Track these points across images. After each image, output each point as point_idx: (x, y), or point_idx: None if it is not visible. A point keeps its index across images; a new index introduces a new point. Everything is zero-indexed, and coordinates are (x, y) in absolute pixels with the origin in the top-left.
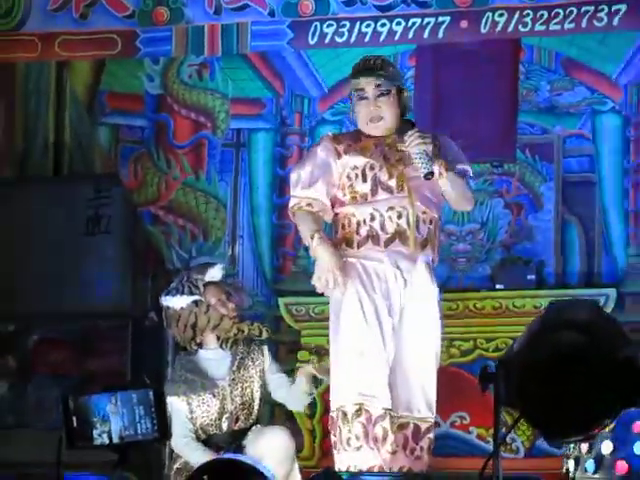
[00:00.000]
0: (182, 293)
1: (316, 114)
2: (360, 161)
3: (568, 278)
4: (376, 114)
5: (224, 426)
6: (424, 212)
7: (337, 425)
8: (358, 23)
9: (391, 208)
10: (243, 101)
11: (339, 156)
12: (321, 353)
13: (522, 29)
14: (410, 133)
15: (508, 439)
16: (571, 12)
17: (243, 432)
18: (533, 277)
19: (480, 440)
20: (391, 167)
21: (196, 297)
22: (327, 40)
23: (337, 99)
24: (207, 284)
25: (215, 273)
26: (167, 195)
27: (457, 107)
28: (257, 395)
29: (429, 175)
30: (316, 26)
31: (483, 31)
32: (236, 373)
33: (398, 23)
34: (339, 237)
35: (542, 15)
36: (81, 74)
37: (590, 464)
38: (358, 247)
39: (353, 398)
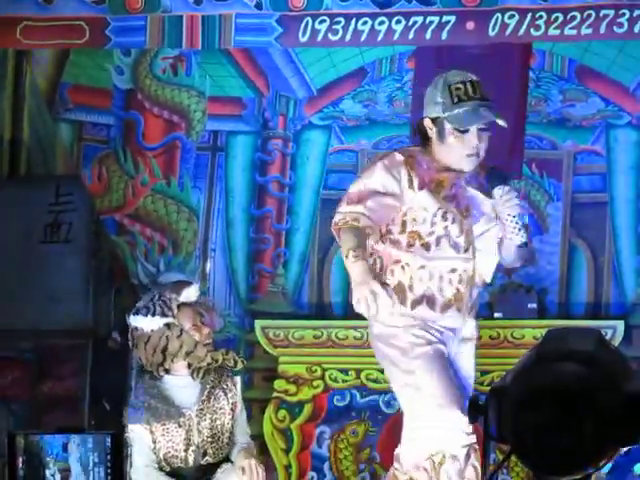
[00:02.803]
0: (153, 314)
1: (302, 117)
2: (433, 205)
3: (573, 308)
4: (476, 151)
5: (190, 460)
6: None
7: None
8: (354, 20)
9: (453, 270)
10: (222, 100)
11: (411, 188)
12: (299, 383)
13: (534, 33)
14: (507, 190)
15: None
16: (589, 16)
17: (212, 467)
18: (534, 306)
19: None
20: (462, 219)
21: (169, 319)
22: (319, 37)
23: (326, 102)
24: (181, 305)
25: (191, 293)
26: (134, 202)
27: None
28: (227, 428)
29: (523, 245)
30: (307, 22)
31: (491, 33)
32: (205, 403)
33: (398, 21)
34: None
35: (557, 18)
36: (42, 64)
37: None
38: (412, 307)
39: (463, 439)
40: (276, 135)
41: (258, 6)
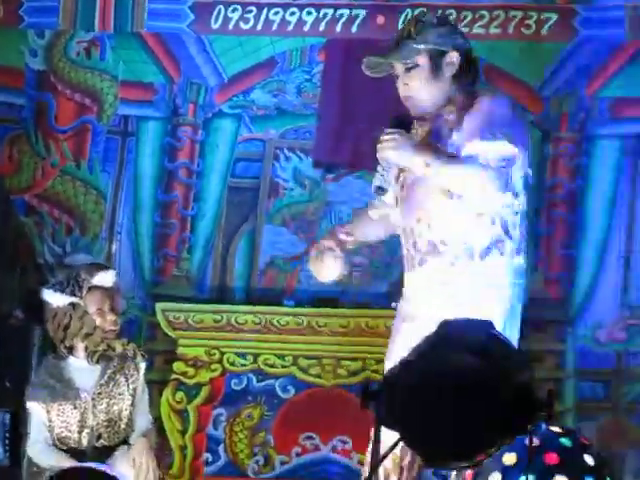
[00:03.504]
0: (63, 291)
1: (213, 105)
2: None
3: None
4: (408, 93)
5: (84, 441)
6: None
7: None
8: (265, 9)
9: None
10: (133, 85)
11: None
12: (197, 366)
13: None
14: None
15: None
16: (497, 16)
17: (107, 450)
18: None
19: (361, 466)
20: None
21: (75, 299)
22: (231, 26)
23: (237, 90)
24: (92, 288)
25: (104, 278)
26: (43, 183)
27: (366, 109)
28: (126, 414)
29: (379, 191)
30: (220, 9)
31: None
32: (104, 387)
33: (309, 13)
34: None
35: (465, 16)
36: None
37: None
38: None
39: None
40: (186, 122)
41: None
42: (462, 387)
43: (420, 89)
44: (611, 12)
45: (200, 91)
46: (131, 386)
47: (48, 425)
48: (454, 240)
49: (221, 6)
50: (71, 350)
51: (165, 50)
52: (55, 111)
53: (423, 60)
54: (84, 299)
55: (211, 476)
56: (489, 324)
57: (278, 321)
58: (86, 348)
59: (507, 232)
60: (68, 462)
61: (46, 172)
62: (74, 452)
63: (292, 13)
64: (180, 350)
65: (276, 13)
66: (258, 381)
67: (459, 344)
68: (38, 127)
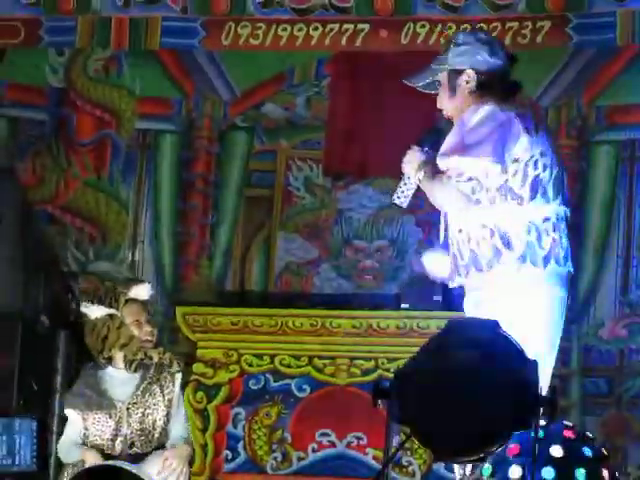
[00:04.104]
0: (101, 303)
1: (226, 118)
2: None
3: None
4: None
5: (118, 449)
6: None
7: None
8: (274, 26)
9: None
10: (151, 100)
11: None
12: (216, 367)
13: (443, 41)
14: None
15: (404, 462)
16: (495, 28)
17: (140, 457)
18: (439, 298)
19: (376, 461)
20: None
21: (112, 311)
22: (241, 42)
23: (249, 104)
24: (129, 301)
25: (140, 292)
26: (66, 194)
27: (373, 120)
28: (160, 424)
29: (394, 205)
30: (230, 26)
31: (403, 42)
32: (139, 397)
33: (315, 28)
34: None
35: (465, 29)
36: None
37: None
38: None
39: None
40: (202, 135)
41: (184, 10)
42: (469, 384)
43: (442, 102)
44: (603, 18)
45: (214, 105)
46: (166, 397)
47: (84, 433)
48: (467, 251)
49: (231, 23)
50: (110, 360)
51: (179, 66)
52: (76, 126)
53: (443, 77)
54: (121, 311)
55: (231, 472)
56: (495, 324)
57: (293, 323)
58: (124, 357)
59: (508, 244)
60: (92, 456)
61: (68, 184)
62: (107, 458)
63: (300, 29)
64: (199, 352)
65: (284, 29)
66: (275, 381)
67: (466, 342)
68: (60, 141)
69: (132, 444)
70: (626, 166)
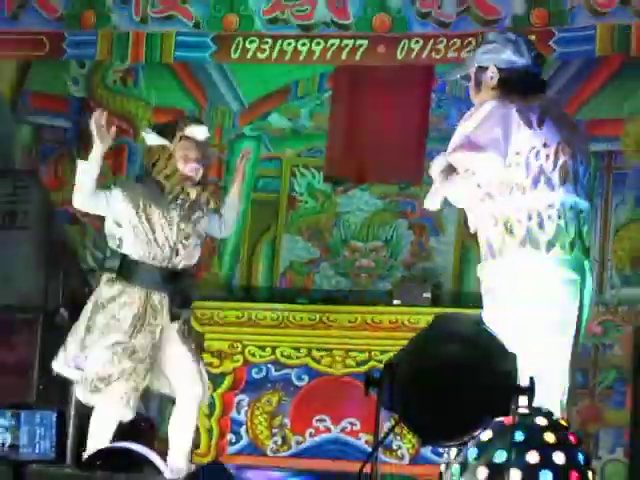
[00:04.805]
0: (159, 133)
1: (236, 128)
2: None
3: (463, 298)
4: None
5: (166, 250)
6: None
7: None
8: (280, 41)
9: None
10: (165, 110)
11: None
12: (222, 357)
13: (435, 56)
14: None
15: (394, 445)
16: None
17: (175, 275)
18: (429, 295)
19: (368, 445)
20: None
21: (166, 142)
22: (249, 55)
23: (257, 115)
24: (183, 137)
25: (196, 132)
26: None
27: (370, 130)
28: (197, 246)
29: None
30: (239, 41)
31: (399, 57)
32: (186, 211)
33: (317, 43)
34: None
35: (454, 43)
36: (6, 73)
37: (456, 469)
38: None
39: None
40: (213, 144)
41: (196, 26)
42: (453, 374)
43: (472, 97)
44: (583, 32)
45: (224, 116)
46: (202, 225)
47: (131, 221)
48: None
49: (240, 38)
50: (156, 184)
51: (192, 78)
52: None
53: (472, 73)
54: (174, 144)
55: (234, 455)
56: (478, 319)
57: (294, 317)
58: (164, 188)
59: (510, 231)
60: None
61: None
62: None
63: (303, 44)
64: (206, 343)
65: (289, 44)
66: (276, 370)
67: (450, 336)
68: (80, 147)
69: (177, 252)
70: (603, 175)
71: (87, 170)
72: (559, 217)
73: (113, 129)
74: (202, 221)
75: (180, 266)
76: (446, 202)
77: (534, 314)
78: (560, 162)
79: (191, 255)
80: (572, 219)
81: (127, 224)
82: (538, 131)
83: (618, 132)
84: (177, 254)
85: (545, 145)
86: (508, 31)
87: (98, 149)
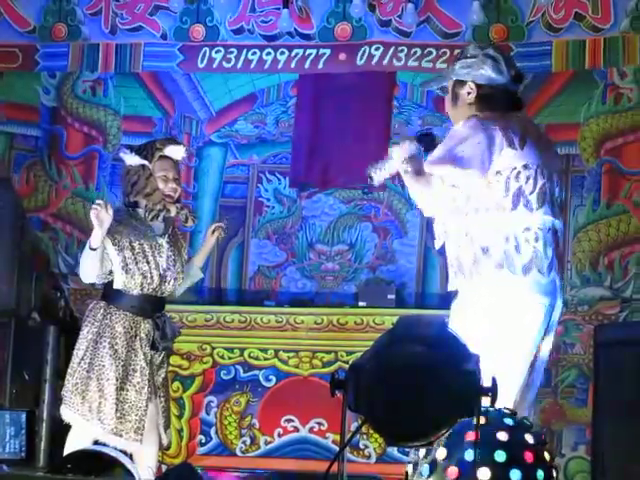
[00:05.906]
0: (138, 154)
1: (203, 135)
2: None
3: (426, 299)
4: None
5: (155, 280)
6: None
7: None
8: (245, 50)
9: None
10: (135, 119)
11: None
12: (191, 359)
13: (396, 63)
14: None
15: (361, 445)
16: (444, 53)
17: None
18: (393, 297)
19: (335, 445)
20: None
21: (145, 162)
22: (215, 65)
23: (224, 122)
24: (162, 157)
25: (174, 151)
26: (57, 203)
27: (333, 136)
28: (181, 262)
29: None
30: (205, 51)
31: (359, 63)
32: (171, 237)
33: (282, 52)
34: None
35: (415, 52)
36: None
37: (425, 469)
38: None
39: None
40: None
41: (163, 37)
42: (417, 375)
43: (447, 109)
44: (540, 47)
45: (192, 123)
46: (183, 252)
47: (122, 265)
48: (453, 258)
49: (206, 48)
50: (134, 205)
51: (160, 88)
52: (66, 141)
53: (450, 85)
54: (153, 164)
55: (204, 455)
56: (442, 320)
57: (261, 319)
58: (146, 205)
59: (486, 251)
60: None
61: (59, 194)
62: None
63: (268, 53)
64: (176, 345)
65: (254, 53)
66: (244, 372)
67: (414, 338)
68: (51, 155)
69: (165, 280)
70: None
71: (93, 256)
72: (536, 240)
73: (110, 211)
74: (183, 251)
75: (166, 294)
76: (410, 205)
77: (502, 336)
78: (539, 184)
79: (177, 281)
80: (550, 241)
81: (118, 267)
82: (519, 152)
83: (574, 136)
84: (166, 281)
85: (525, 167)
86: (490, 47)
87: (98, 232)
